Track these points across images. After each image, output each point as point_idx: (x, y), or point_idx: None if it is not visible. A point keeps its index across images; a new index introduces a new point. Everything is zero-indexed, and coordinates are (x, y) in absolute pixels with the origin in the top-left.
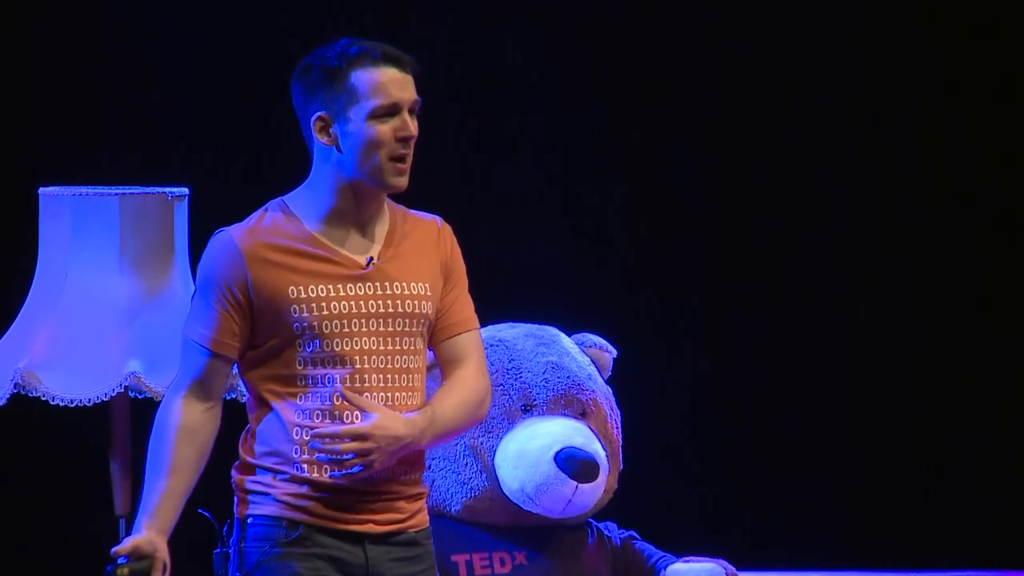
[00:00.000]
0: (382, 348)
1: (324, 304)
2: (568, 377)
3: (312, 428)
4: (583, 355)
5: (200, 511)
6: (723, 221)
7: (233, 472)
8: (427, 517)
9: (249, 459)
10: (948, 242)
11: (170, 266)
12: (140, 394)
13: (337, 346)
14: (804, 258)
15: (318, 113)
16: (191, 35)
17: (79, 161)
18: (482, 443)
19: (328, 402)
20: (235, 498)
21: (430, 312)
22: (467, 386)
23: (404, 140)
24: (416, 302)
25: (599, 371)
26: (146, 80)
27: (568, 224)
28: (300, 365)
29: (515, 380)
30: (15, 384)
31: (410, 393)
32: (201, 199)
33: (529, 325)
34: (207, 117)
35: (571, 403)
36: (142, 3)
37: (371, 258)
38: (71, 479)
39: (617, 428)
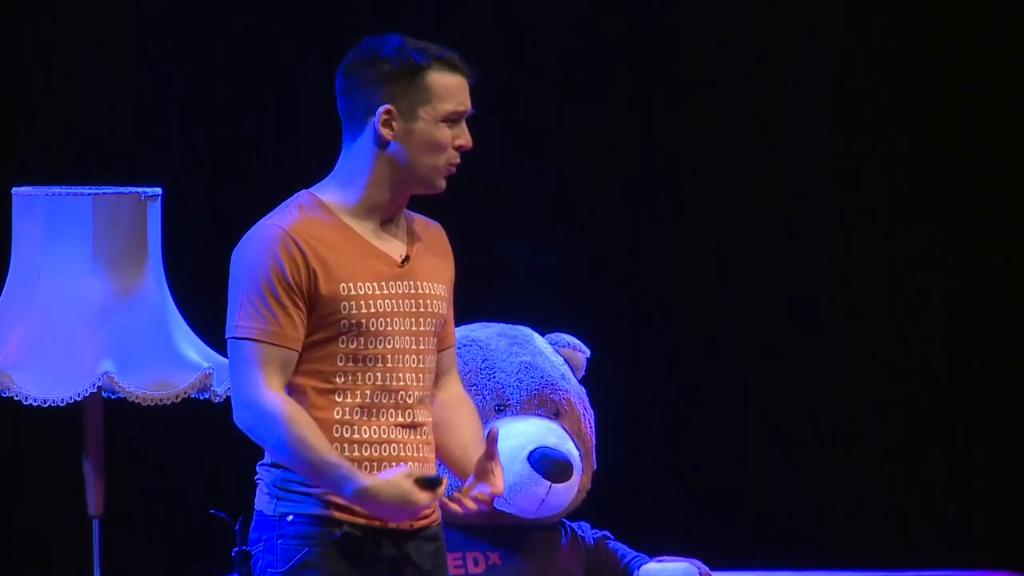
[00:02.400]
0: (413, 347)
1: (371, 301)
2: (542, 377)
3: (348, 425)
4: (557, 355)
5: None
6: (698, 220)
7: (265, 469)
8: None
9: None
10: (938, 237)
11: (143, 266)
12: (113, 394)
13: (379, 344)
14: (784, 254)
15: (386, 105)
16: (165, 35)
17: (52, 161)
18: None
19: (368, 399)
20: (267, 495)
21: (446, 314)
22: (477, 425)
23: (460, 148)
24: (439, 303)
25: (573, 371)
26: (120, 80)
27: (542, 223)
28: (341, 362)
29: (488, 380)
30: None
31: (430, 391)
32: (174, 199)
33: (502, 325)
34: (181, 117)
35: (545, 403)
36: (117, 3)
37: (407, 256)
38: (44, 479)
39: (591, 428)
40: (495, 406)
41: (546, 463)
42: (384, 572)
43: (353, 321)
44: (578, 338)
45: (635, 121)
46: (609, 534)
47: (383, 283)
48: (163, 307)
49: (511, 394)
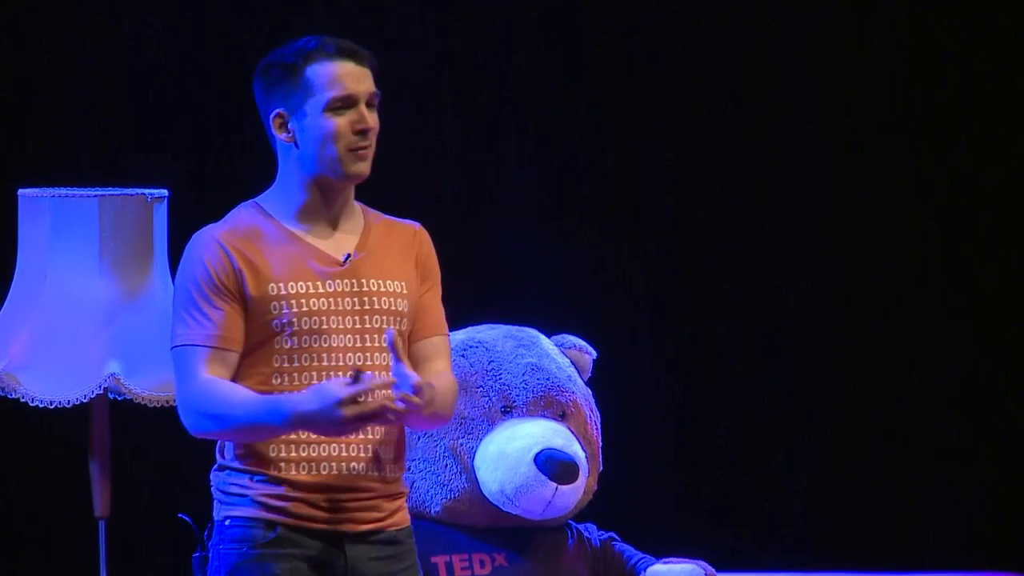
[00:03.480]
0: (358, 345)
1: (303, 300)
2: (548, 379)
3: None
4: (563, 356)
5: (180, 516)
6: (703, 222)
7: (211, 475)
8: (408, 516)
9: (225, 461)
10: (934, 240)
11: (150, 268)
12: (119, 396)
13: (314, 342)
14: (784, 257)
15: (276, 110)
16: (172, 37)
17: (59, 162)
18: (462, 445)
19: None
20: (215, 500)
21: (405, 310)
22: (445, 381)
23: (362, 132)
24: (391, 299)
25: (579, 372)
26: (126, 82)
27: (548, 225)
28: (277, 362)
29: (495, 382)
30: None
31: (388, 390)
32: (181, 201)
33: (509, 326)
34: (187, 119)
35: (551, 405)
36: (123, 5)
37: (348, 255)
38: (50, 481)
39: (597, 429)
40: (501, 407)
41: (552, 465)
42: (321, 574)
43: (285, 320)
44: (584, 340)
45: (643, 121)
46: (615, 535)
47: (319, 282)
48: (169, 308)
49: (517, 395)
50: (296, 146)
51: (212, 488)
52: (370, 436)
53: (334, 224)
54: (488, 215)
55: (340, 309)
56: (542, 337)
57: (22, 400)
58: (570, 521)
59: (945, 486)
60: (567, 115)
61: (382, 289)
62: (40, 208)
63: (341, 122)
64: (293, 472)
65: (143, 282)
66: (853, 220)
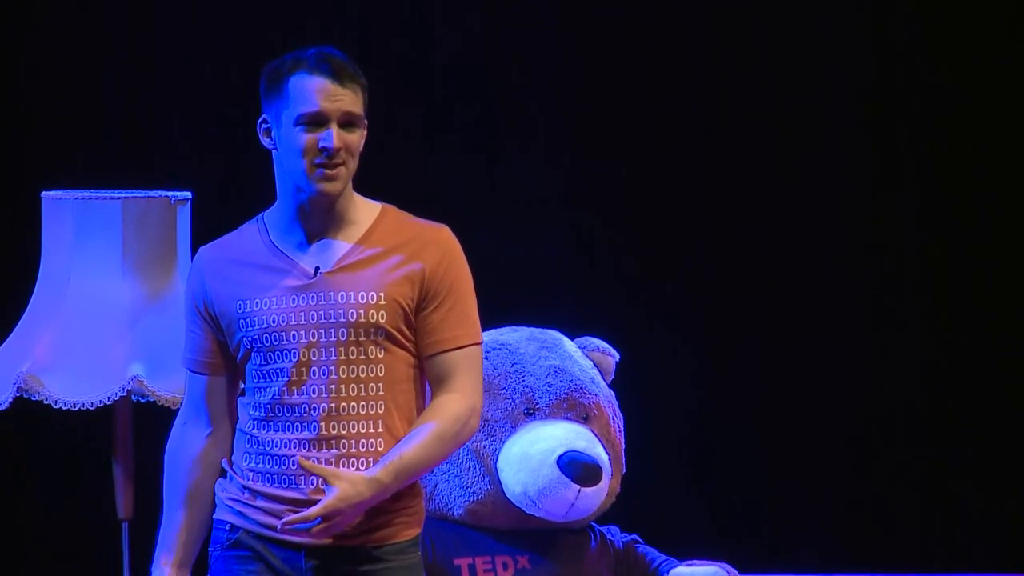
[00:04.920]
0: (325, 359)
1: (265, 317)
2: (571, 381)
3: (254, 436)
4: (586, 359)
5: None
6: (726, 223)
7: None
8: (402, 532)
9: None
10: (951, 243)
11: (172, 270)
12: (143, 398)
13: (279, 359)
14: (806, 260)
15: (262, 116)
16: (195, 39)
17: (82, 165)
18: (485, 447)
19: (268, 412)
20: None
21: (384, 321)
22: (443, 414)
23: (325, 151)
24: (361, 311)
25: (602, 375)
26: (149, 84)
27: (571, 227)
28: (252, 378)
29: (518, 384)
30: (18, 388)
31: (364, 403)
32: (204, 203)
33: (532, 329)
34: (210, 121)
35: (574, 407)
36: (144, 6)
37: (317, 268)
38: (74, 483)
39: (620, 432)
40: (524, 410)
41: (575, 467)
42: None
43: (250, 337)
44: (607, 342)
45: (666, 124)
46: (638, 538)
47: (284, 297)
48: None
49: (540, 398)
50: (277, 153)
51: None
52: (333, 452)
53: (321, 235)
54: (511, 216)
55: (303, 324)
56: (565, 339)
57: (46, 402)
58: (593, 523)
59: (971, 487)
60: (593, 116)
61: (351, 301)
62: (64, 210)
63: (308, 138)
64: (259, 483)
65: (166, 284)
66: (877, 222)
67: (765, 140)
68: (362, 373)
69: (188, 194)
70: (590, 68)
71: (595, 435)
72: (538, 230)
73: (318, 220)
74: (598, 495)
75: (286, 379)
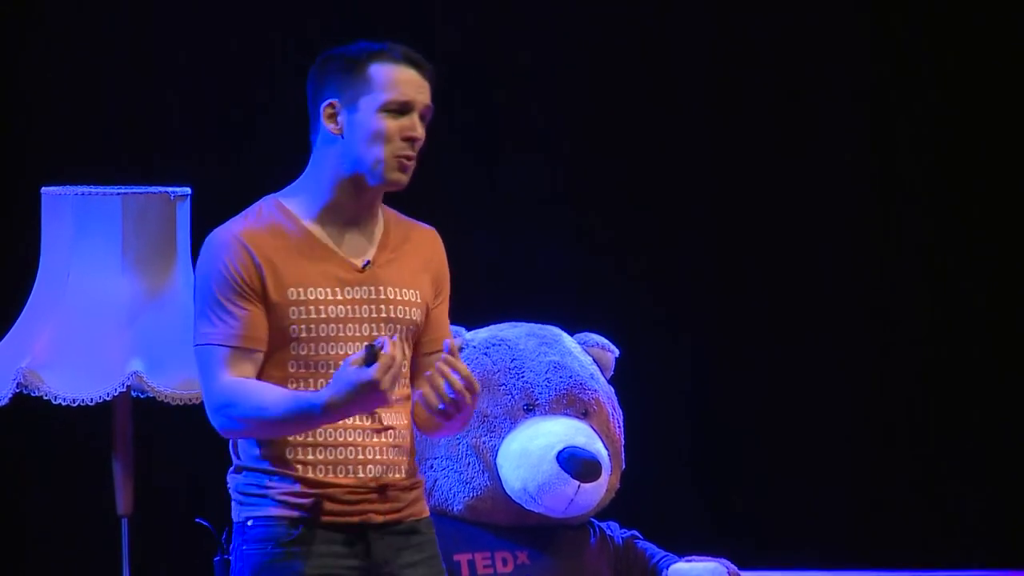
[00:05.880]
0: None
1: (321, 307)
2: (570, 377)
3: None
4: (585, 355)
5: (198, 520)
6: (725, 220)
7: (228, 477)
8: (426, 507)
9: (242, 462)
10: (951, 244)
11: (172, 266)
12: (142, 394)
13: (330, 350)
14: (807, 257)
15: (329, 100)
16: (194, 34)
17: (81, 160)
18: (484, 442)
19: None
20: (234, 502)
21: (419, 320)
22: None
23: (410, 140)
24: (407, 308)
25: (601, 371)
26: (148, 79)
27: (570, 223)
28: (292, 367)
29: (517, 380)
30: (17, 383)
31: (402, 397)
32: (203, 199)
33: (531, 324)
34: (210, 116)
35: (573, 403)
36: (144, 2)
37: (368, 261)
38: (73, 479)
39: (619, 428)
40: (524, 405)
41: (575, 463)
42: (345, 567)
43: (303, 327)
44: (607, 338)
45: (668, 120)
46: (638, 533)
47: (338, 288)
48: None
49: (540, 394)
50: (343, 139)
51: (230, 490)
52: (386, 440)
53: (357, 227)
54: (511, 213)
55: (356, 317)
56: (565, 335)
57: (45, 398)
58: (592, 519)
59: (971, 485)
60: (593, 113)
61: (398, 298)
62: (63, 206)
63: (392, 125)
64: (311, 473)
65: (166, 280)
66: (877, 221)
67: (765, 138)
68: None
69: (188, 190)
70: (590, 68)
71: (595, 431)
72: (538, 227)
73: (357, 212)
74: (597, 491)
75: (335, 370)
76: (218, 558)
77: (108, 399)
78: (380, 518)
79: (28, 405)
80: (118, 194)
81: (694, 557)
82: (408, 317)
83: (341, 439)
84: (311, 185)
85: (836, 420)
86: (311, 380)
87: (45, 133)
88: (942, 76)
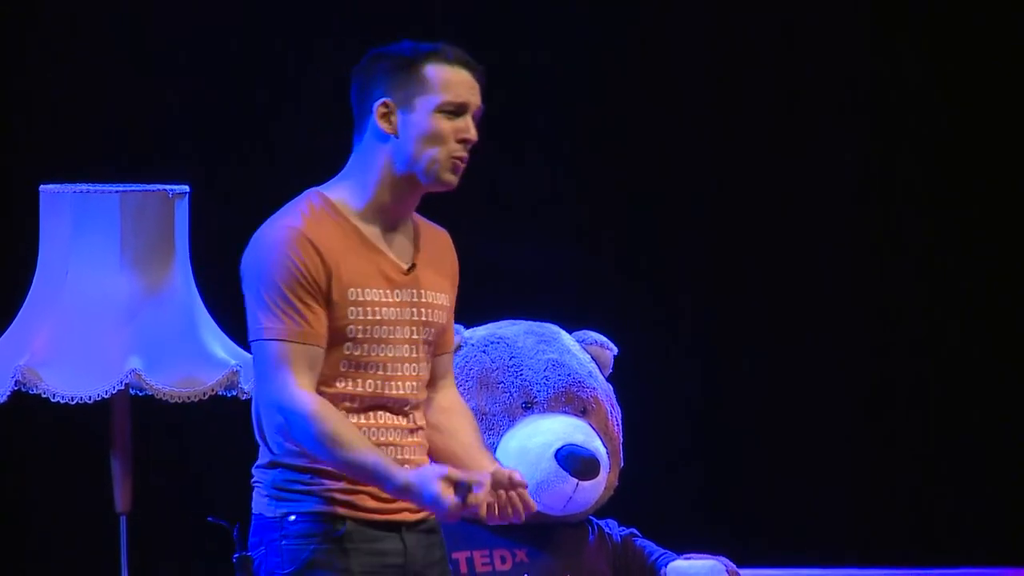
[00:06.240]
0: (412, 356)
1: (376, 308)
2: (569, 375)
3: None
4: (584, 352)
5: (211, 519)
6: (724, 218)
7: (262, 471)
8: None
9: (278, 457)
10: (949, 242)
11: (171, 263)
12: (141, 391)
13: (379, 352)
14: (806, 255)
15: (383, 99)
16: (193, 32)
17: (80, 158)
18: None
19: (366, 404)
20: (265, 497)
21: (446, 324)
22: (470, 413)
23: (464, 142)
24: (439, 313)
25: (600, 368)
26: (147, 77)
27: (569, 221)
28: (343, 366)
29: (516, 378)
30: (16, 381)
31: (423, 398)
32: (202, 196)
33: (529, 322)
34: (208, 114)
35: (572, 400)
36: (142, 1)
37: (413, 264)
38: (72, 476)
39: (618, 425)
40: (522, 403)
41: (573, 460)
42: (387, 564)
43: (359, 327)
44: (605, 336)
45: (665, 118)
46: (636, 531)
47: (389, 290)
48: (190, 304)
49: (538, 391)
50: (397, 138)
51: (261, 484)
52: (418, 439)
53: (397, 228)
54: (509, 211)
55: (403, 319)
56: (563, 333)
57: (44, 396)
58: (591, 517)
59: (971, 482)
60: (593, 112)
61: (434, 301)
62: (61, 204)
63: (448, 126)
64: None
65: (164, 278)
66: (878, 224)
67: (765, 138)
68: (425, 372)
69: (186, 188)
70: (590, 67)
71: (593, 429)
72: (536, 226)
73: (401, 212)
74: (596, 489)
75: (385, 371)
76: (237, 555)
77: (106, 397)
78: (412, 516)
79: (26, 403)
80: (116, 192)
81: (693, 555)
82: (440, 321)
83: (383, 439)
84: (357, 182)
85: (835, 418)
86: (359, 380)
87: (43, 131)
88: (942, 76)
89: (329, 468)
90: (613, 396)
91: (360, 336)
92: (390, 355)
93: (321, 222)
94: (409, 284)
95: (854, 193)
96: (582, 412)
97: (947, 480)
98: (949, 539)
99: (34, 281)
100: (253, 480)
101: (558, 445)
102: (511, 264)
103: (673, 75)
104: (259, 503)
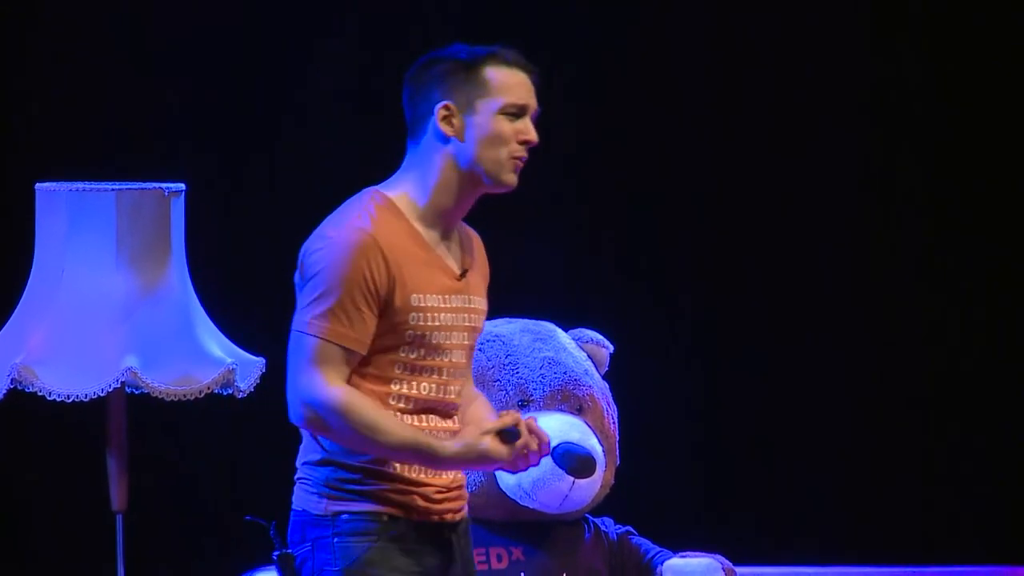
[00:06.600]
0: (462, 361)
1: (435, 314)
2: (565, 372)
3: None
4: (580, 350)
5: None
6: (721, 216)
7: (311, 467)
8: None
9: (331, 456)
10: (949, 242)
11: (167, 262)
12: (137, 390)
13: (436, 357)
14: (803, 254)
15: (444, 102)
16: (190, 30)
17: (76, 156)
18: None
19: (420, 406)
20: (314, 494)
21: (481, 329)
22: (486, 400)
23: (524, 143)
24: (482, 318)
25: (596, 366)
26: (143, 75)
27: (565, 219)
28: (399, 369)
29: (512, 375)
30: (12, 379)
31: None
32: (198, 195)
33: (526, 320)
34: (204, 113)
35: (568, 398)
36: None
37: (465, 270)
38: (68, 475)
39: (614, 423)
40: (518, 401)
41: (569, 459)
42: (435, 561)
43: (418, 333)
44: (601, 334)
45: (663, 116)
46: (632, 529)
47: (446, 296)
48: (186, 303)
49: (534, 389)
50: (459, 140)
51: (308, 481)
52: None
53: (451, 230)
54: (505, 209)
55: (457, 325)
56: (559, 331)
57: (39, 394)
58: (587, 515)
59: (970, 481)
60: (592, 112)
61: (479, 307)
62: (57, 202)
63: (509, 128)
64: (408, 472)
65: (160, 276)
66: (878, 224)
67: (765, 138)
68: (469, 375)
69: (182, 186)
70: (590, 67)
71: (589, 427)
72: (533, 224)
73: (456, 215)
74: (592, 487)
75: (440, 376)
76: (277, 553)
77: (102, 395)
78: (455, 516)
79: (22, 401)
80: (112, 190)
81: (689, 553)
82: (481, 327)
83: None
84: (417, 184)
85: (832, 414)
86: (415, 383)
87: (39, 129)
88: (942, 76)
89: (385, 469)
90: (609, 394)
91: (418, 341)
92: (446, 360)
93: (387, 226)
94: (462, 290)
95: (854, 193)
96: (578, 410)
97: (946, 479)
98: (948, 538)
99: (30, 279)
100: (298, 476)
101: (554, 443)
102: (508, 262)
103: (673, 75)
104: (306, 499)
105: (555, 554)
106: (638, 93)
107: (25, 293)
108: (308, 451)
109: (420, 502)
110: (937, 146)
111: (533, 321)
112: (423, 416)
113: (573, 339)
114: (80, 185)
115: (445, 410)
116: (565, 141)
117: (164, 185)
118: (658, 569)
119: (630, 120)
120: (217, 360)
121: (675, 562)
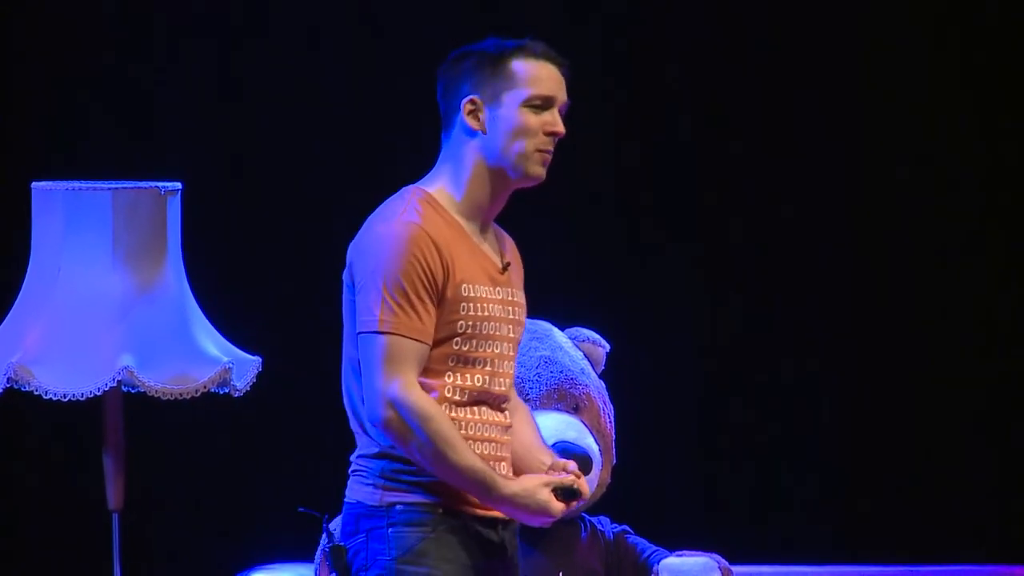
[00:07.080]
0: (510, 354)
1: (485, 304)
2: (561, 372)
3: (456, 422)
4: (576, 349)
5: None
6: (718, 213)
7: (366, 460)
8: None
9: (387, 449)
10: (949, 242)
11: (163, 261)
12: (133, 388)
13: (486, 348)
14: (796, 250)
15: (470, 96)
16: (187, 29)
17: (71, 155)
18: None
19: (472, 398)
20: (370, 485)
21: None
22: (528, 411)
23: (551, 135)
24: (524, 314)
25: (592, 365)
26: (139, 74)
27: (560, 218)
28: (451, 362)
29: None
30: (8, 378)
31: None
32: (194, 194)
33: None
34: (201, 112)
35: (564, 398)
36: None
37: (508, 263)
38: (64, 473)
39: (610, 422)
40: None
41: (565, 458)
42: (486, 556)
43: (469, 323)
44: (597, 332)
45: (661, 113)
46: (629, 528)
47: (492, 287)
48: (183, 301)
49: (531, 389)
50: (483, 133)
51: (364, 473)
52: (509, 438)
53: (488, 224)
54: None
55: (504, 317)
56: (555, 330)
57: (36, 393)
58: (583, 514)
59: (967, 480)
60: (592, 111)
61: (520, 301)
62: (53, 201)
63: (535, 120)
64: None
65: (157, 275)
66: (878, 224)
67: (762, 138)
68: (512, 371)
69: (178, 185)
70: (589, 67)
71: (585, 425)
72: (529, 221)
73: (491, 209)
74: (588, 486)
75: (490, 368)
76: (327, 545)
77: (99, 394)
78: (507, 515)
79: (19, 400)
80: (108, 189)
81: (685, 551)
82: (524, 324)
83: (486, 435)
84: (452, 179)
85: (828, 412)
86: (467, 374)
87: (35, 128)
88: (942, 76)
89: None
90: (605, 393)
91: (470, 331)
92: (496, 351)
93: (433, 218)
94: (505, 283)
95: (854, 193)
96: (574, 409)
97: (946, 479)
98: (948, 538)
99: (26, 278)
100: (352, 469)
101: (550, 442)
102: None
103: (673, 75)
104: (361, 491)
105: (552, 553)
106: (639, 93)
107: (21, 292)
108: (365, 445)
109: (473, 497)
110: (937, 146)
111: (529, 320)
112: (475, 408)
113: (569, 338)
114: (76, 184)
115: (495, 402)
116: (565, 142)
117: (160, 184)
118: (654, 568)
119: (628, 120)
120: (213, 359)
121: (671, 561)
